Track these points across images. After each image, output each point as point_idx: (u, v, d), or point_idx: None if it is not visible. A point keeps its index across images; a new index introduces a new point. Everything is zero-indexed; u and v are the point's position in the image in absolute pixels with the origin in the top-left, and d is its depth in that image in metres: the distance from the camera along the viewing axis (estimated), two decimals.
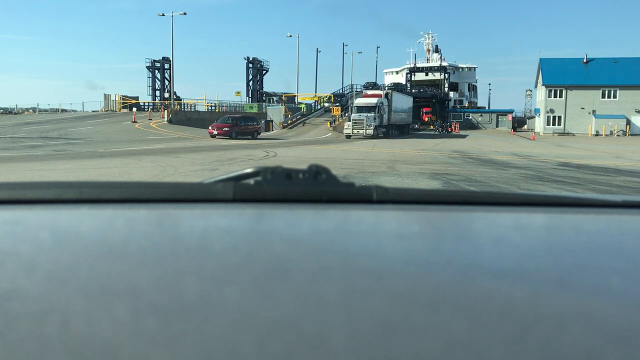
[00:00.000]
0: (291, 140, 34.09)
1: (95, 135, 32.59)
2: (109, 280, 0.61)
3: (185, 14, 50.90)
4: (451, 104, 74.19)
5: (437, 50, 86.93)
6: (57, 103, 73.20)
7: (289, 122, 53.36)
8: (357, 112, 38.34)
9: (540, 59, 61.63)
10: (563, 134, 56.91)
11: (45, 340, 0.46)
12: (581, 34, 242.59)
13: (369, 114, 37.85)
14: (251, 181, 1.11)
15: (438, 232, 0.98)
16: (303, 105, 64.29)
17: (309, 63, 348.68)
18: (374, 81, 77.90)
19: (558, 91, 58.53)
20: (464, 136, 45.59)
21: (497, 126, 66.04)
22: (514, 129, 62.61)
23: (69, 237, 0.83)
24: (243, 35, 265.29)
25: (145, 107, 59.72)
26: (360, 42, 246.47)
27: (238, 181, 1.13)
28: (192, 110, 57.10)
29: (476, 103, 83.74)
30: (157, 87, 67.25)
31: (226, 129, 32.31)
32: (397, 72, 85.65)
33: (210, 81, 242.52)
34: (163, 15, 49.42)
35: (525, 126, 70.11)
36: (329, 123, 50.64)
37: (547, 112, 58.77)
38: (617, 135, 54.87)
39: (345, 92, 65.68)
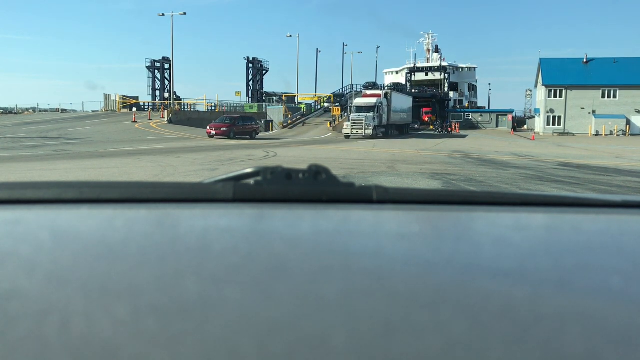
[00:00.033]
0: (291, 140, 34.08)
1: (95, 135, 32.57)
2: (109, 280, 0.61)
3: (185, 14, 50.96)
4: (451, 104, 74.16)
5: (437, 50, 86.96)
6: (57, 103, 73.40)
7: (289, 122, 53.34)
8: (357, 112, 38.33)
9: (540, 59, 61.68)
10: (563, 134, 56.90)
11: (45, 340, 0.46)
12: (581, 34, 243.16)
13: (368, 114, 37.82)
14: (251, 181, 1.11)
15: (438, 232, 0.98)
16: (303, 105, 64.26)
17: (309, 63, 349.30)
18: (374, 81, 78.03)
19: (558, 91, 58.52)
20: (463, 136, 45.58)
21: (497, 126, 66.02)
22: (514, 129, 62.59)
23: (69, 237, 0.83)
24: (243, 35, 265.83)
25: (145, 107, 59.70)
26: (360, 42, 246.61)
27: (238, 181, 1.13)
28: (192, 110, 57.10)
29: (476, 103, 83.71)
30: (157, 87, 67.25)
31: (224, 129, 32.20)
32: (397, 72, 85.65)
33: (210, 81, 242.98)
34: (163, 15, 49.48)
35: (525, 126, 70.11)
36: (329, 123, 50.60)
37: (547, 112, 58.76)
38: (617, 135, 54.87)
39: (345, 92, 65.58)
